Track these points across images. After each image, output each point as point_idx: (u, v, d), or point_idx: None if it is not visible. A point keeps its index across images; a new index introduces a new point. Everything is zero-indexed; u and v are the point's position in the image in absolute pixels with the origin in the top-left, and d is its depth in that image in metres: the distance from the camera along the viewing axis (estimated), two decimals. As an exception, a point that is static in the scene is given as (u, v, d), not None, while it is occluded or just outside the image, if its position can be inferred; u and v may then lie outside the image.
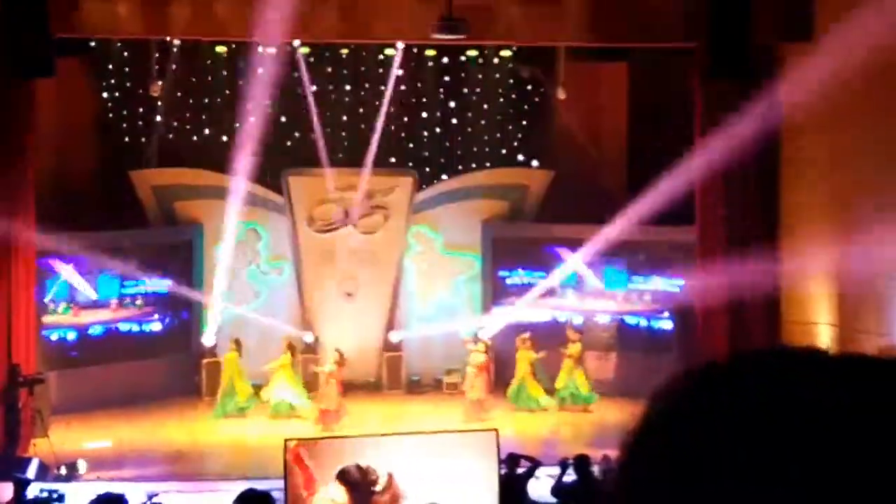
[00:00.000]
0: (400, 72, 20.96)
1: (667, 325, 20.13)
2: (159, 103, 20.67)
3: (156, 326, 20.63)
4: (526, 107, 22.11)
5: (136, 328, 20.42)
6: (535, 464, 11.34)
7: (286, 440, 8.17)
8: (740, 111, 16.67)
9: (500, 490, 7.89)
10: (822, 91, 15.20)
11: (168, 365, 20.38)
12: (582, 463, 10.81)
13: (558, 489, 10.70)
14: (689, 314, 18.35)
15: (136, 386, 19.38)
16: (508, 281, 21.67)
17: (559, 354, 19.27)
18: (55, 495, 10.59)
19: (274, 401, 18.67)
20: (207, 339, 20.21)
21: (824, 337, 15.75)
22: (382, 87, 21.26)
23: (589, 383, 19.30)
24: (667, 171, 18.50)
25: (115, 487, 10.29)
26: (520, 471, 11.07)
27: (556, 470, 11.30)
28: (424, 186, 21.50)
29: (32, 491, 11.56)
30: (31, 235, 16.56)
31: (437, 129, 22.05)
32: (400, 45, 20.26)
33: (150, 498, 10.49)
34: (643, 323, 20.70)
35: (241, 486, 7.25)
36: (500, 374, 19.49)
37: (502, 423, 16.68)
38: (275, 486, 8.85)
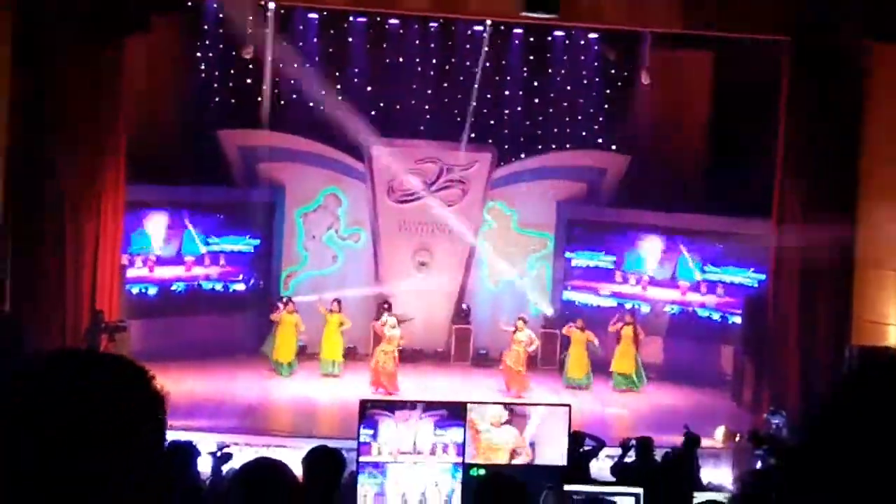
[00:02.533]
0: (486, 49, 21.14)
1: (736, 318, 20.12)
2: (249, 66, 21.03)
3: (238, 286, 21.16)
4: (608, 90, 22.14)
5: (218, 286, 20.95)
6: (600, 443, 11.52)
7: (362, 401, 8.43)
8: (825, 107, 16.62)
9: (568, 466, 8.11)
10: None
11: (244, 322, 20.88)
12: (644, 445, 10.96)
13: (619, 469, 10.87)
14: (760, 308, 18.36)
15: (212, 341, 19.90)
16: (574, 263, 21.82)
17: (614, 338, 19.49)
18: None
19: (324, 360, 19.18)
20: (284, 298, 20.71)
21: (894, 337, 15.71)
22: (468, 64, 21.45)
23: (642, 368, 19.51)
24: (748, 163, 18.51)
25: (185, 437, 10.54)
26: (584, 449, 11.26)
27: (616, 451, 11.49)
28: (503, 163, 21.68)
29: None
30: (120, 187, 17.04)
31: (519, 108, 22.18)
32: (488, 22, 20.42)
33: (220, 448, 10.71)
34: (715, 316, 20.76)
35: (309, 444, 7.44)
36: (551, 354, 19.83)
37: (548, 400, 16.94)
38: (345, 447, 9.07)
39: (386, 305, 20.93)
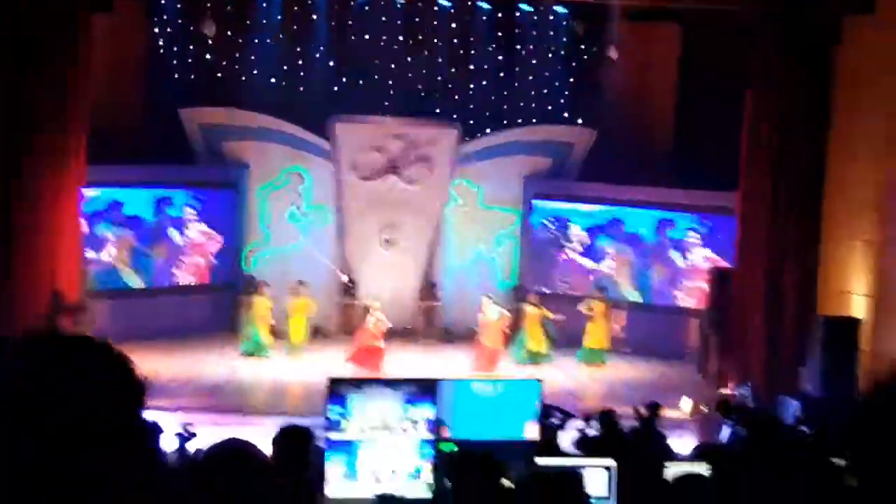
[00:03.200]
0: (452, 24, 21.01)
1: (703, 288, 20.20)
2: (210, 42, 20.80)
3: (199, 261, 20.97)
4: (575, 65, 22.08)
5: (180, 264, 20.75)
6: (568, 416, 11.51)
7: (330, 378, 8.33)
8: (794, 80, 16.62)
9: (539, 439, 8.07)
10: (881, 65, 15.15)
11: (209, 301, 20.74)
12: (606, 417, 10.93)
13: (581, 442, 10.85)
14: (726, 280, 18.41)
15: (176, 320, 19.75)
16: (543, 236, 21.78)
17: (580, 313, 19.50)
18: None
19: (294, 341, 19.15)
20: (248, 278, 20.58)
21: (859, 307, 15.78)
22: (435, 40, 21.30)
23: (607, 341, 19.55)
24: (715, 136, 18.51)
25: (149, 416, 10.42)
26: (551, 421, 11.23)
27: (583, 423, 11.47)
28: (469, 139, 21.57)
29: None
30: (80, 166, 16.78)
31: (485, 83, 22.08)
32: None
33: (184, 428, 10.62)
34: (681, 289, 20.82)
35: (277, 422, 7.36)
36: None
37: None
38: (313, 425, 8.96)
39: (350, 284, 20.86)
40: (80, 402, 1.58)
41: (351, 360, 17.97)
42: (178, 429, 10.37)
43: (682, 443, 12.27)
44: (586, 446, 10.32)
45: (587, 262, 21.45)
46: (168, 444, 9.79)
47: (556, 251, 21.62)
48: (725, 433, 12.16)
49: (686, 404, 16.47)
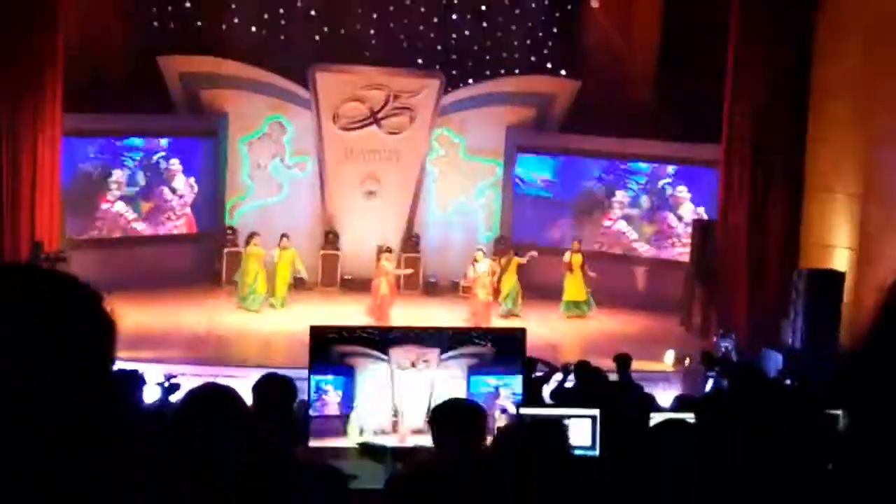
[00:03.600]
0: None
1: (686, 243, 20.18)
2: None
3: (179, 213, 20.81)
4: (558, 14, 21.89)
5: (161, 215, 20.59)
6: (552, 369, 11.48)
7: (312, 326, 8.25)
8: (777, 32, 16.53)
9: (523, 391, 8.03)
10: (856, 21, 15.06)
11: (190, 252, 20.61)
12: (582, 369, 10.91)
13: (559, 394, 10.84)
14: (709, 233, 18.41)
15: (157, 271, 19.61)
16: (524, 189, 21.68)
17: (566, 266, 19.43)
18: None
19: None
20: (229, 229, 20.46)
21: (841, 260, 15.79)
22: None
23: (590, 295, 19.51)
24: (698, 87, 18.41)
25: (132, 367, 10.33)
26: (535, 375, 11.21)
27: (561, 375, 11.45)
28: (451, 89, 21.39)
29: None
30: (57, 116, 16.58)
31: (467, 33, 21.88)
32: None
33: (167, 379, 10.54)
34: (664, 242, 20.80)
35: (259, 373, 7.29)
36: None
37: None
38: (297, 376, 8.90)
39: (331, 235, 20.77)
40: (47, 331, 1.51)
41: (372, 314, 18.07)
42: (160, 379, 10.30)
43: (667, 395, 12.26)
44: (563, 397, 10.30)
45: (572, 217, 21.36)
46: (151, 394, 9.71)
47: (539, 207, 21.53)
48: (709, 386, 12.17)
49: (669, 357, 16.50)
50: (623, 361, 11.61)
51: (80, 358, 1.53)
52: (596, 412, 7.36)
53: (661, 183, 20.76)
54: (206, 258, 20.63)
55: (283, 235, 19.26)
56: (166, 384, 10.32)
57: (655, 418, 7.33)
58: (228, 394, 3.77)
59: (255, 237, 19.15)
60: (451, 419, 4.84)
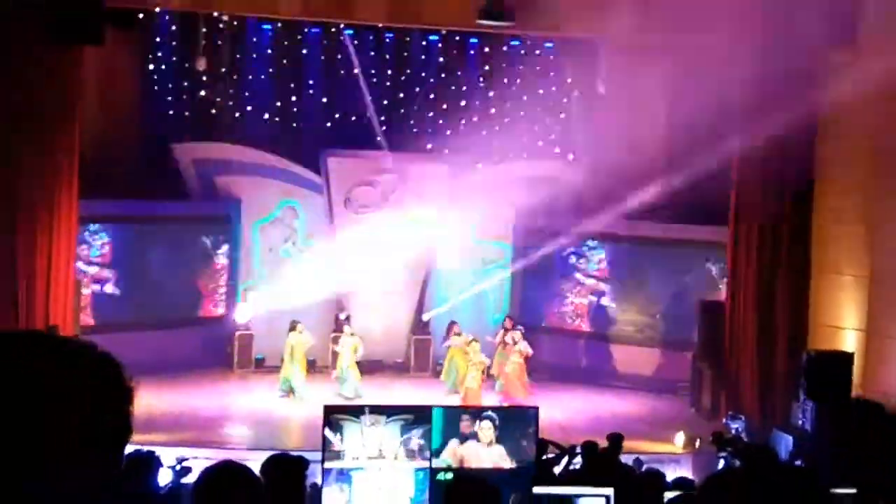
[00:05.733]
0: (441, 59, 21.14)
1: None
2: (204, 78, 20.90)
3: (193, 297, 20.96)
4: (565, 100, 22.18)
5: (175, 297, 20.68)
6: (563, 451, 11.48)
7: (326, 406, 8.33)
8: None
9: (536, 468, 8.06)
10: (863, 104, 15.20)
11: (202, 336, 20.67)
12: (589, 449, 10.91)
13: (567, 475, 10.83)
14: (717, 314, 18.42)
15: (170, 355, 19.63)
16: (533, 271, 21.76)
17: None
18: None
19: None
20: (241, 314, 20.53)
21: (850, 342, 15.80)
22: (423, 74, 21.41)
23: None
24: (704, 171, 18.56)
25: (148, 448, 10.37)
26: (546, 457, 11.21)
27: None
28: (460, 174, 21.61)
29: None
30: (73, 202, 16.80)
31: (475, 119, 22.17)
32: (443, 31, 20.44)
33: (179, 462, 10.59)
34: (673, 323, 20.83)
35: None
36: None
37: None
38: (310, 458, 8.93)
39: (345, 318, 20.81)
40: (68, 398, 1.54)
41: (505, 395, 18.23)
42: (173, 462, 10.34)
43: (677, 477, 12.23)
44: (570, 478, 10.30)
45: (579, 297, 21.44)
46: (163, 477, 9.75)
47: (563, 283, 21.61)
48: (720, 466, 12.14)
49: (680, 438, 16.44)
50: (615, 440, 11.65)
51: (96, 425, 1.54)
52: (610, 491, 7.39)
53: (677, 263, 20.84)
54: (217, 341, 20.65)
55: (293, 321, 19.24)
56: (178, 467, 10.36)
57: (668, 495, 7.38)
58: (244, 471, 3.85)
59: (297, 324, 19.10)
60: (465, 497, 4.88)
